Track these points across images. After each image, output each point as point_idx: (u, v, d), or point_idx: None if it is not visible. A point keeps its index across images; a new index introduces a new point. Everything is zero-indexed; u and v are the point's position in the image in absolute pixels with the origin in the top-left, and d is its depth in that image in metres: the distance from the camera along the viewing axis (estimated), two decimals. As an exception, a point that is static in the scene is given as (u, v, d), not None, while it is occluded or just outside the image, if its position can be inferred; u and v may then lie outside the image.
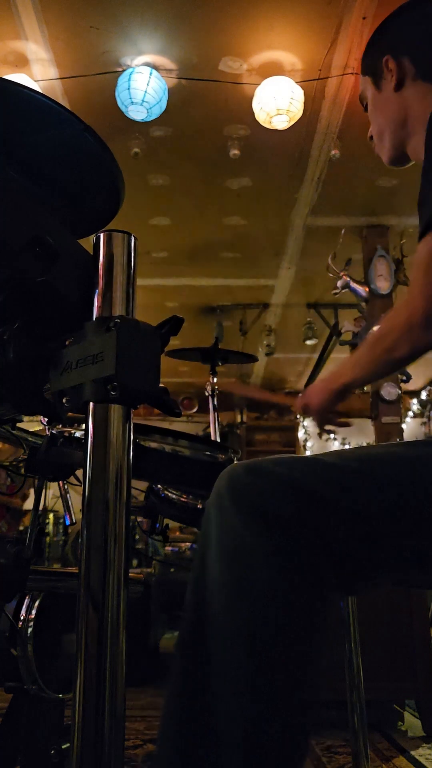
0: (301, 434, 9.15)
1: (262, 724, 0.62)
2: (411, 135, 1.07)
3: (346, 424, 1.14)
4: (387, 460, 0.75)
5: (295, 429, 9.12)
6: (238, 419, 8.24)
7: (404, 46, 1.05)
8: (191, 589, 0.69)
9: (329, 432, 1.19)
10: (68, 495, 1.31)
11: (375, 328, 0.96)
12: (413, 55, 1.04)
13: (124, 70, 3.22)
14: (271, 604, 0.65)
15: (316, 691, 0.67)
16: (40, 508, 1.19)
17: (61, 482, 1.27)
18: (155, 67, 3.23)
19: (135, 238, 0.63)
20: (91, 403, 0.58)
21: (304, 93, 3.29)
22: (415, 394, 8.69)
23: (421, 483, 0.72)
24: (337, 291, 4.57)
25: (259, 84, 3.28)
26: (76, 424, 1.07)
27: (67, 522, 1.30)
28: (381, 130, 1.12)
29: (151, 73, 3.17)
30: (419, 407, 8.81)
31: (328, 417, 1.10)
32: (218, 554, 0.68)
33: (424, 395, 8.71)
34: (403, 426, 4.94)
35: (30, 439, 1.23)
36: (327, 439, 8.44)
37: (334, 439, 8.12)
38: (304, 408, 1.09)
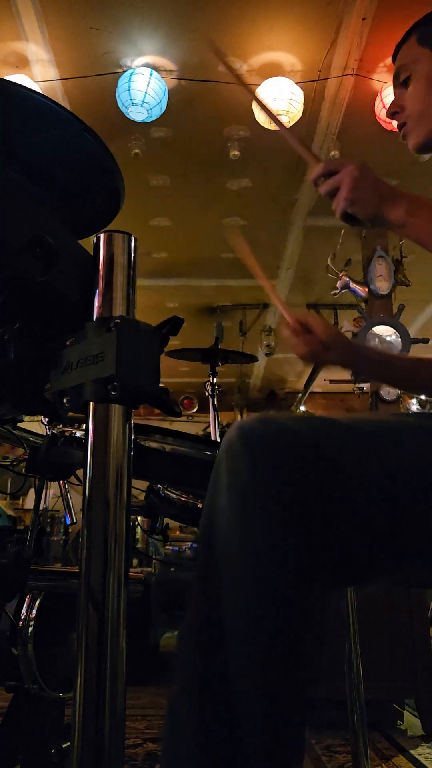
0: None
1: (277, 695, 0.63)
2: None
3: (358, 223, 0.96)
4: (400, 430, 0.75)
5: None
6: (238, 419, 8.24)
7: None
8: (202, 537, 0.69)
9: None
10: (68, 495, 1.31)
11: None
12: None
13: (124, 71, 3.22)
14: (277, 584, 0.65)
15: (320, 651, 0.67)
16: (41, 507, 1.19)
17: (61, 482, 1.27)
18: (155, 68, 3.23)
19: (135, 239, 0.63)
20: (91, 403, 0.58)
21: (304, 94, 3.29)
22: (415, 394, 8.70)
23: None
24: (336, 291, 4.57)
25: (259, 85, 3.29)
26: (76, 424, 1.08)
27: (68, 521, 1.30)
28: (427, 111, 1.02)
29: (151, 74, 3.18)
30: (419, 407, 8.80)
31: (350, 214, 0.93)
32: (228, 496, 0.68)
33: (423, 395, 8.70)
34: (413, 409, 4.93)
35: (30, 439, 1.23)
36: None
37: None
38: (339, 178, 0.93)
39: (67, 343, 0.61)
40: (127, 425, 0.59)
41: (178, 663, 0.68)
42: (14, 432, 1.19)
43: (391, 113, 1.08)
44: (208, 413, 2.35)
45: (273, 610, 0.65)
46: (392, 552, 0.75)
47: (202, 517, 0.70)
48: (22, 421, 1.18)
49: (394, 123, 1.10)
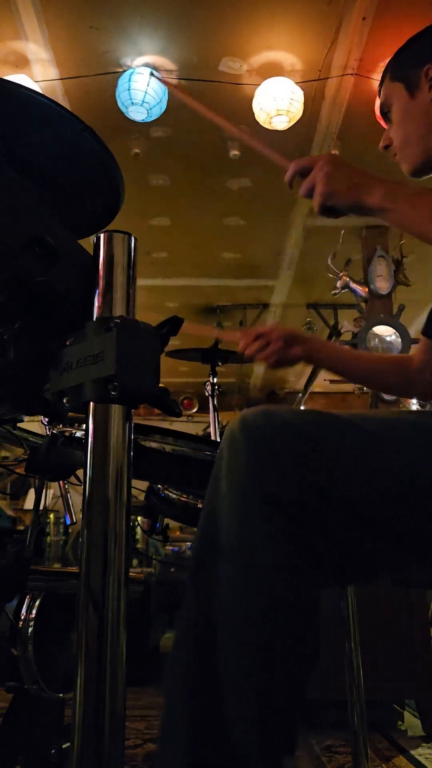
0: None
1: (274, 695, 0.63)
2: None
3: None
4: (401, 426, 0.76)
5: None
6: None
7: None
8: (201, 529, 0.70)
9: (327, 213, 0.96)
10: (68, 495, 1.31)
11: None
12: None
13: (124, 71, 3.22)
14: (275, 583, 0.65)
15: (315, 651, 0.68)
16: (41, 508, 1.19)
17: (61, 482, 1.27)
18: (155, 67, 3.23)
19: (135, 239, 0.63)
20: (91, 403, 0.58)
21: (304, 93, 3.29)
22: (415, 394, 8.70)
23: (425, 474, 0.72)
24: (336, 291, 4.57)
25: (259, 84, 3.29)
26: (76, 424, 1.07)
27: (68, 522, 1.30)
28: (408, 139, 1.08)
29: (151, 74, 3.18)
30: (418, 407, 8.80)
31: (328, 207, 0.93)
32: (228, 492, 0.69)
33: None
34: (412, 407, 4.94)
35: (30, 439, 1.23)
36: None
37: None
38: (316, 175, 0.92)
39: (67, 343, 0.61)
40: (127, 425, 0.59)
41: (172, 660, 0.68)
42: (14, 432, 1.19)
43: (384, 147, 1.14)
44: (208, 413, 2.34)
45: (268, 608, 0.65)
46: (392, 550, 0.75)
47: (203, 508, 0.71)
48: (22, 421, 1.17)
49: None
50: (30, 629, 1.15)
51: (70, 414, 0.62)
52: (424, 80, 1.05)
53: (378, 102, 1.15)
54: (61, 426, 1.08)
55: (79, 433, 1.07)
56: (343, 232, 4.44)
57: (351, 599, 1.35)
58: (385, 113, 1.14)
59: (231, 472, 0.69)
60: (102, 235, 0.63)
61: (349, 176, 0.93)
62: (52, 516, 5.12)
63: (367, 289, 4.56)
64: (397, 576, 1.16)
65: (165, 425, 1.16)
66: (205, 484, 0.72)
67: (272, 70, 3.27)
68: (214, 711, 0.63)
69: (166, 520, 1.52)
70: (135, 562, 3.73)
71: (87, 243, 0.65)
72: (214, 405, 2.34)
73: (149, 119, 3.31)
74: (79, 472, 1.14)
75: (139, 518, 2.02)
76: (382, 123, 1.18)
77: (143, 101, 3.18)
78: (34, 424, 1.23)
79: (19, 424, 1.20)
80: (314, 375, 3.81)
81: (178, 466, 1.13)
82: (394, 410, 1.07)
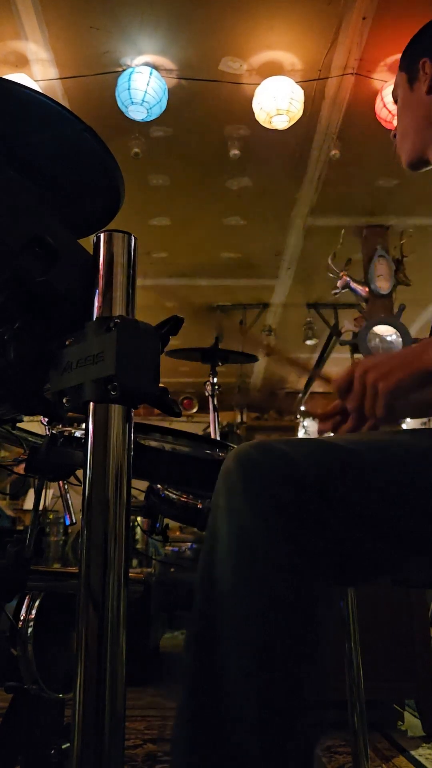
0: (301, 435, 9.16)
1: (273, 695, 0.63)
2: None
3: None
4: (392, 447, 0.76)
5: (295, 429, 9.12)
6: (238, 419, 8.24)
7: None
8: (201, 567, 0.70)
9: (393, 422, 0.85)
10: (68, 495, 1.31)
11: None
12: None
13: (124, 70, 3.22)
14: (275, 583, 0.65)
15: (323, 673, 0.68)
16: (41, 508, 1.19)
17: (61, 482, 1.27)
18: (155, 67, 3.23)
19: (135, 238, 0.63)
20: (91, 403, 0.58)
21: (304, 93, 3.29)
22: (415, 394, 8.68)
23: (425, 474, 0.73)
24: (337, 291, 4.57)
25: (259, 84, 3.29)
26: (76, 424, 1.07)
27: (67, 522, 1.30)
28: (405, 130, 1.10)
29: (151, 73, 3.18)
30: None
31: (397, 405, 0.80)
32: (227, 531, 0.69)
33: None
34: (403, 426, 4.94)
35: (30, 439, 1.23)
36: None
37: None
38: (364, 380, 0.80)
39: (67, 343, 0.61)
40: (127, 425, 0.59)
41: (181, 666, 0.68)
42: (14, 432, 1.19)
43: (393, 136, 1.16)
44: (208, 413, 2.34)
45: (268, 608, 0.65)
46: (392, 550, 0.75)
47: (204, 544, 0.71)
48: (22, 421, 1.17)
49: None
50: (30, 629, 1.15)
51: (70, 414, 0.62)
52: (421, 73, 1.06)
53: (379, 96, 1.16)
54: (60, 426, 1.08)
55: (79, 433, 1.07)
56: (343, 231, 4.45)
57: (351, 599, 1.35)
58: (396, 100, 1.15)
59: (230, 510, 0.69)
60: (102, 235, 0.62)
61: (393, 358, 0.81)
62: (51, 516, 5.12)
63: (367, 289, 4.56)
64: (397, 576, 1.15)
65: (165, 425, 1.15)
66: (205, 485, 0.72)
67: (272, 69, 3.27)
68: (214, 711, 0.63)
69: (166, 520, 1.52)
70: (135, 562, 3.72)
71: (87, 243, 0.65)
72: (214, 405, 2.33)
73: (149, 119, 3.31)
74: (79, 472, 1.14)
75: (139, 518, 2.02)
76: (383, 123, 1.18)
77: (143, 101, 3.18)
78: (34, 424, 1.23)
79: (19, 424, 1.20)
80: (314, 375, 3.80)
81: (178, 465, 1.13)
82: (389, 431, 0.97)
